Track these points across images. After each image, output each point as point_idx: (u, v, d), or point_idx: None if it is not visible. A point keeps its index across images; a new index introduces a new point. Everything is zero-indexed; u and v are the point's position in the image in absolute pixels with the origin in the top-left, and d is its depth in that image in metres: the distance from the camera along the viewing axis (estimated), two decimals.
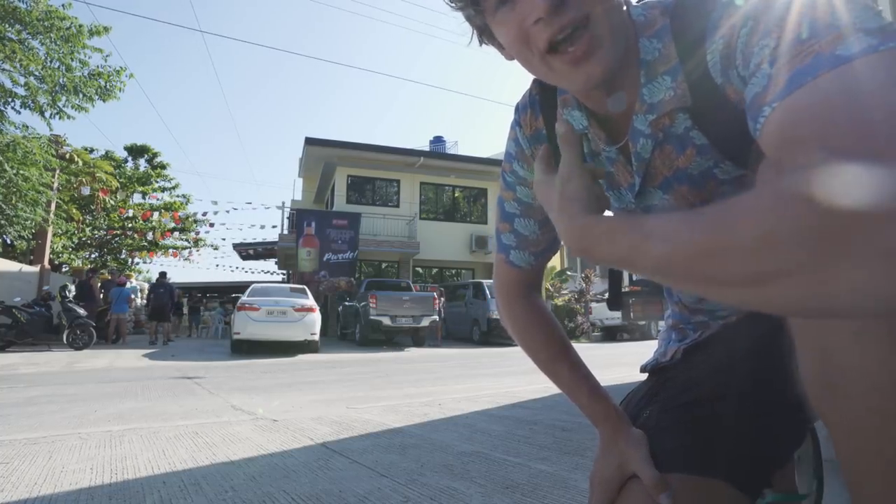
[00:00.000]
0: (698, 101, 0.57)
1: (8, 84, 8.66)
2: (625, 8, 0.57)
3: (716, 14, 0.52)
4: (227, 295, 21.35)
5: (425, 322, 10.36)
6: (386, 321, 9.97)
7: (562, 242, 0.56)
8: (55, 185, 12.00)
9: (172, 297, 11.34)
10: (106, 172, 16.19)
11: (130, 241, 19.36)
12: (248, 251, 21.27)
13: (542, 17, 0.51)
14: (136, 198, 16.95)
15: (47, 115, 8.93)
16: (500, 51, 0.61)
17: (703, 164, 0.60)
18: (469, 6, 0.57)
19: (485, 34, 0.60)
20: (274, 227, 30.26)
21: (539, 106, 0.72)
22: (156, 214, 19.04)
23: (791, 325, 0.47)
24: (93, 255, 19.24)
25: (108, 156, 19.72)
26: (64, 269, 16.04)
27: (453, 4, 0.58)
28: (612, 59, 0.54)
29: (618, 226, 0.44)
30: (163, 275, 11.34)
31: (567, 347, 0.77)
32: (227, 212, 15.78)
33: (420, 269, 16.77)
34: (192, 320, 17.29)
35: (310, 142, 15.04)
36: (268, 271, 28.42)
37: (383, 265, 16.34)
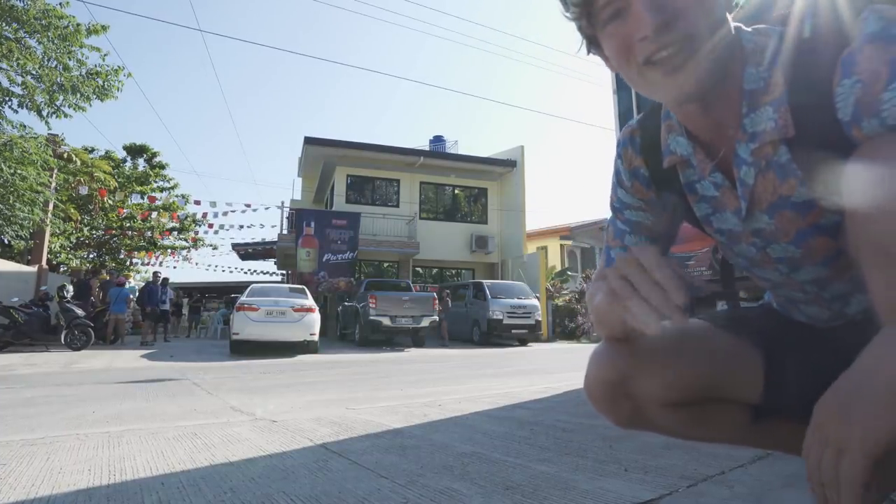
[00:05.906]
0: (802, 134, 0.57)
1: (5, 83, 8.62)
2: (734, 31, 0.58)
3: (858, 53, 0.51)
4: (226, 295, 21.31)
5: (425, 322, 10.34)
6: (386, 321, 9.95)
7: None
8: (53, 184, 11.95)
9: (155, 295, 11.28)
10: (104, 172, 16.14)
11: (129, 241, 19.30)
12: (247, 251, 21.23)
13: (647, 35, 0.55)
14: (136, 198, 16.86)
15: (45, 114, 8.89)
16: (606, 62, 0.65)
17: (805, 194, 0.61)
18: (583, 17, 0.61)
19: (593, 44, 0.64)
20: (273, 226, 30.19)
21: (640, 147, 0.78)
22: (154, 214, 18.97)
23: None
24: (91, 255, 19.19)
25: (107, 155, 19.67)
26: (62, 269, 16.00)
27: (569, 15, 0.62)
28: (706, 76, 0.56)
29: None
30: (155, 275, 11.52)
31: None
32: (226, 214, 15.68)
33: (420, 269, 16.74)
34: (191, 320, 17.25)
35: (309, 141, 14.99)
36: (267, 271, 28.33)
37: (383, 265, 16.31)
